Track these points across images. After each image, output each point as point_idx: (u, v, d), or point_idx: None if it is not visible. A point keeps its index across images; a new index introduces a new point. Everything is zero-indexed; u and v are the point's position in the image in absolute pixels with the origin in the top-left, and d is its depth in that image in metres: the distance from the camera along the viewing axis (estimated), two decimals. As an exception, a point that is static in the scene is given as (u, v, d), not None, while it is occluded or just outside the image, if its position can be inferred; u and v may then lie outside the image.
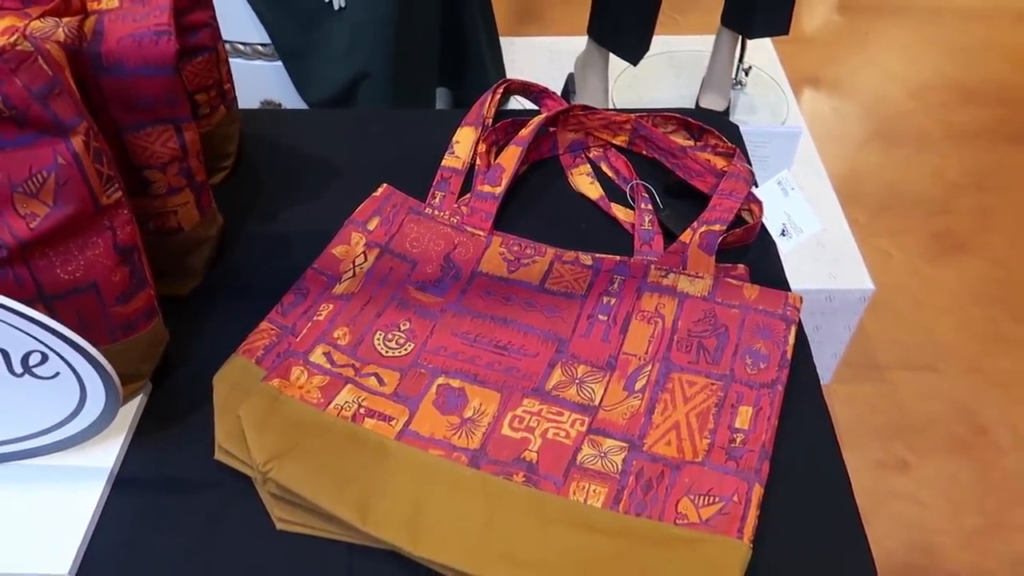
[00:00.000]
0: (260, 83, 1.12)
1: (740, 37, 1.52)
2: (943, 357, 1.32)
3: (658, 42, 1.51)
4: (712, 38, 1.55)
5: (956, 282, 1.43)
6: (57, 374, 0.45)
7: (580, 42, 1.59)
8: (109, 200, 0.48)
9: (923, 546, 1.09)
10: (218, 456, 0.52)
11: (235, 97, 0.71)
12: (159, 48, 0.51)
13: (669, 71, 1.66)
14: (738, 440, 0.52)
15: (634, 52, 1.46)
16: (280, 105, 1.13)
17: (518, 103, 0.81)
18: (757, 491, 0.49)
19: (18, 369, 0.44)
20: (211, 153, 0.70)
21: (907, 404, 1.25)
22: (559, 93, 1.75)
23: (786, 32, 1.43)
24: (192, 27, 0.62)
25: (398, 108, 1.03)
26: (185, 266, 0.63)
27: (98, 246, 0.48)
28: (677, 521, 0.48)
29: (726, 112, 1.55)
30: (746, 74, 1.57)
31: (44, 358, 0.44)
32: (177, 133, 0.56)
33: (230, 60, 0.69)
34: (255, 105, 1.14)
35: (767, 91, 1.57)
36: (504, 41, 1.49)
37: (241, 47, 1.08)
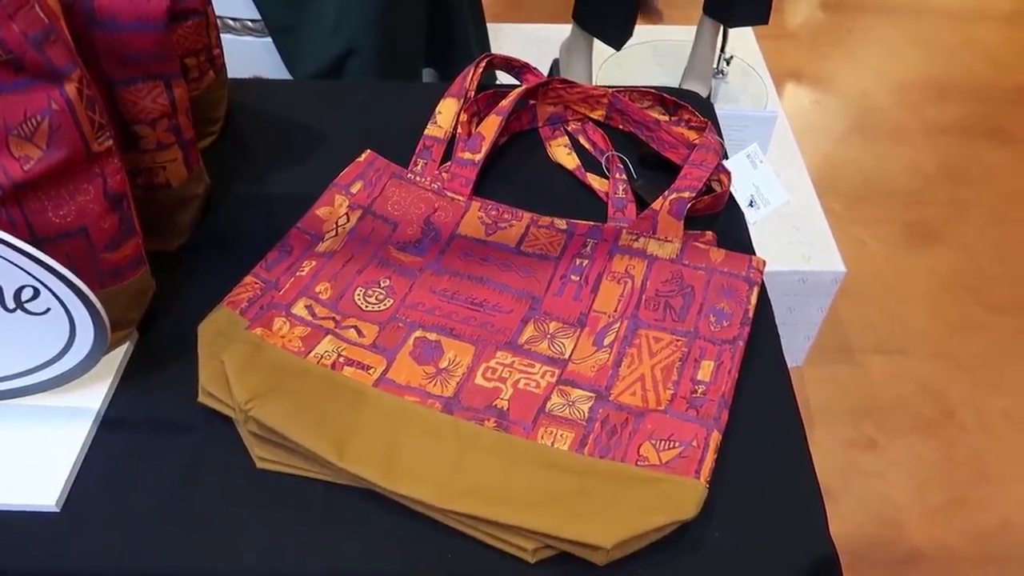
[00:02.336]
0: (250, 59, 1.14)
1: (721, 27, 1.55)
2: (913, 342, 1.35)
3: (643, 32, 1.54)
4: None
5: (928, 270, 1.47)
6: (48, 310, 0.47)
7: (566, 30, 1.61)
8: (100, 147, 0.50)
9: (889, 521, 1.12)
10: (201, 399, 0.54)
11: (224, 63, 0.73)
12: (151, 4, 0.53)
13: (652, 60, 1.69)
14: (699, 391, 0.55)
15: (617, 37, 1.49)
16: (268, 81, 1.14)
17: (507, 82, 0.83)
18: (715, 437, 0.52)
19: (10, 304, 0.46)
20: (200, 117, 0.72)
21: (877, 386, 1.29)
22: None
23: (765, 22, 1.46)
24: (183, -10, 0.64)
25: (387, 81, 1.05)
26: (173, 222, 0.65)
27: (89, 192, 0.50)
28: (639, 463, 0.51)
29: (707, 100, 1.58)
30: (727, 64, 1.60)
31: (36, 293, 0.46)
32: (167, 89, 0.58)
33: (220, 35, 0.71)
34: (244, 80, 1.15)
35: (748, 81, 1.61)
36: (491, 28, 1.51)
37: (231, 23, 1.10)
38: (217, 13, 0.71)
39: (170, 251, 0.65)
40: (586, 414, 0.54)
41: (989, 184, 1.68)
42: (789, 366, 0.59)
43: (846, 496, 1.14)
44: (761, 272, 0.62)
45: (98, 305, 0.46)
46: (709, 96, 1.56)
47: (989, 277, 1.47)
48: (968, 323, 1.39)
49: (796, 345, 1.26)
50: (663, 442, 0.52)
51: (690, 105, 0.76)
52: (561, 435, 0.53)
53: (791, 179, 1.29)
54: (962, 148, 1.77)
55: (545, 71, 1.71)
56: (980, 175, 1.69)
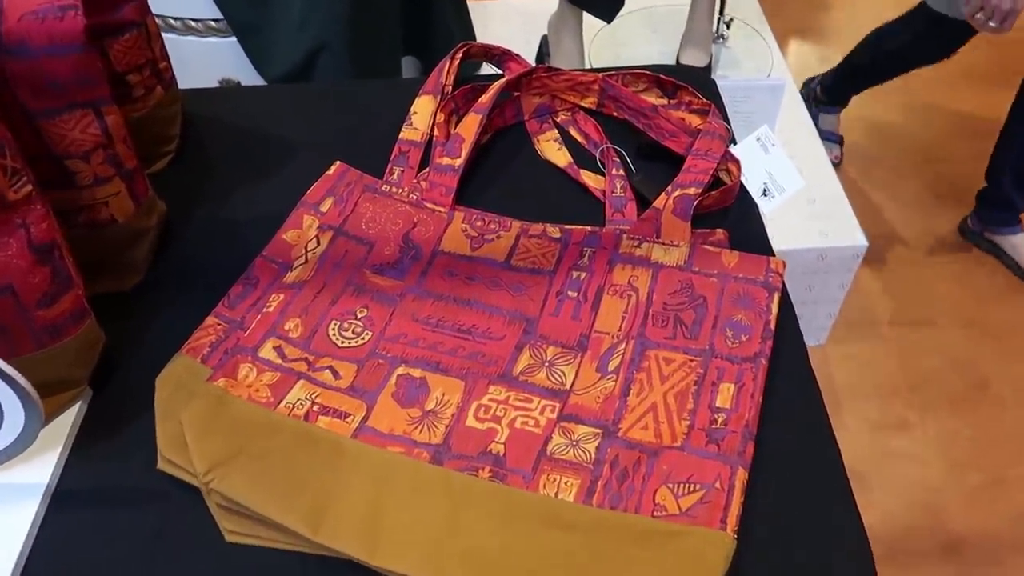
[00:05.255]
0: (216, 61, 1.07)
1: (719, -12, 1.46)
2: (941, 311, 1.28)
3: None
4: (691, -8, 1.49)
5: (952, 233, 1.40)
6: (-35, 390, 0.41)
7: (554, 3, 1.53)
8: (17, 195, 0.43)
9: (926, 507, 1.06)
10: (161, 466, 0.49)
11: (173, 76, 0.66)
12: (65, 24, 0.46)
13: (646, 28, 1.60)
14: (719, 421, 0.48)
15: (607, 9, 1.40)
16: (239, 83, 1.08)
17: (493, 70, 0.76)
18: (741, 476, 0.46)
19: (-78, 386, 0.40)
20: (151, 138, 0.65)
21: (905, 361, 1.22)
22: (534, 57, 1.69)
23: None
24: (114, 1, 0.57)
25: (359, 80, 0.98)
26: (125, 260, 0.59)
27: (10, 246, 0.44)
28: (655, 513, 0.45)
29: (708, 68, 1.50)
30: (727, 27, 1.51)
31: (-53, 374, 0.40)
32: (98, 117, 0.51)
33: (183, 38, 0.65)
34: (213, 84, 1.08)
35: (751, 44, 1.52)
36: (475, 6, 1.43)
37: (193, 24, 1.03)
38: (176, 14, 0.64)
39: (125, 291, 0.59)
40: (592, 455, 0.48)
41: None
42: (809, 346, 0.53)
43: (878, 481, 1.08)
44: (781, 276, 0.55)
45: (23, 382, 0.40)
46: (710, 64, 1.48)
47: (1017, 234, 1.39)
48: (998, 287, 1.31)
49: (817, 324, 1.19)
50: (682, 485, 0.46)
51: (690, 85, 0.68)
52: (566, 483, 0.47)
53: (801, 147, 1.21)
54: (980, 96, 1.68)
55: (534, 49, 1.63)
56: (1000, 126, 1.60)
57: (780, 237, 0.60)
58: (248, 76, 1.08)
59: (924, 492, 1.07)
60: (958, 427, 1.13)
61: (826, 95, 1.56)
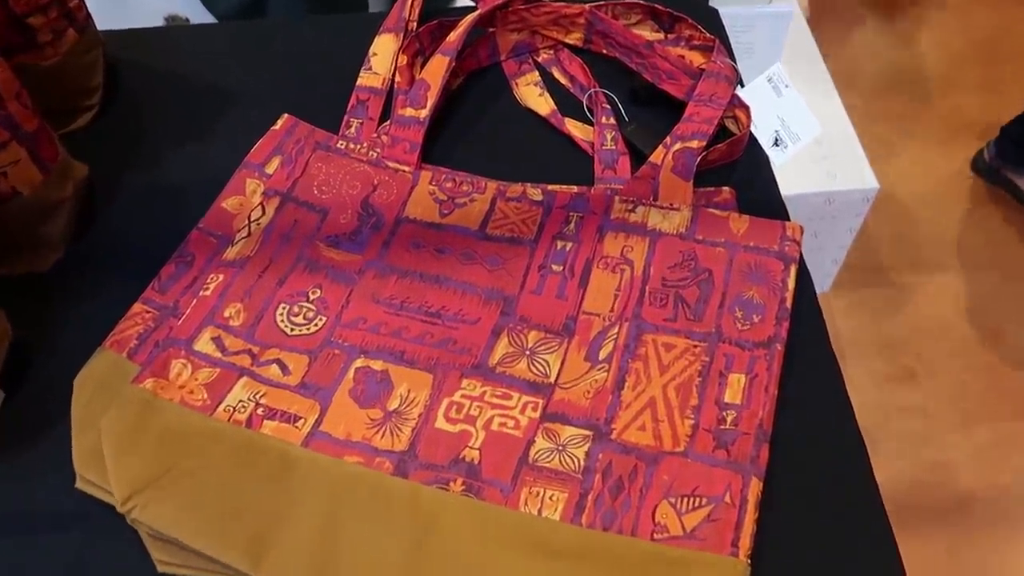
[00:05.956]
0: (164, -3, 0.96)
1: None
2: (953, 254, 1.21)
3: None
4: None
5: (966, 168, 1.31)
6: None
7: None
8: None
9: (934, 464, 1.02)
10: (80, 485, 0.42)
11: (89, 16, 0.57)
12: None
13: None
14: (728, 420, 0.42)
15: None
16: (187, 20, 0.97)
17: (465, 1, 0.66)
18: (754, 487, 0.39)
19: None
20: (66, 91, 0.57)
21: (914, 309, 1.16)
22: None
23: None
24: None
25: (313, 15, 0.88)
26: (38, 237, 0.51)
27: None
28: (655, 535, 0.38)
29: (707, -7, 1.38)
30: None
31: None
32: (-21, 72, 0.42)
33: None
34: (158, 22, 0.98)
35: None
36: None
37: (132, -47, 0.92)
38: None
39: (43, 271, 0.51)
40: (582, 462, 0.41)
41: (1027, 59, 1.50)
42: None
43: (885, 437, 1.03)
44: (799, 243, 0.48)
45: None
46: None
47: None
48: (1014, 228, 1.24)
49: (821, 271, 1.12)
50: (686, 500, 0.39)
51: (689, 16, 0.59)
52: (551, 497, 0.40)
53: (808, 82, 1.11)
54: (993, 19, 1.57)
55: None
56: (1017, 49, 1.49)
57: (784, 181, 0.53)
58: (198, 12, 0.98)
59: (932, 448, 1.02)
60: (968, 379, 1.08)
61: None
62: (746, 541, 0.37)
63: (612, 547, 0.38)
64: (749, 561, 0.37)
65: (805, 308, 0.46)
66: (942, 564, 0.92)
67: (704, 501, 0.39)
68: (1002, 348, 1.10)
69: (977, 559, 0.93)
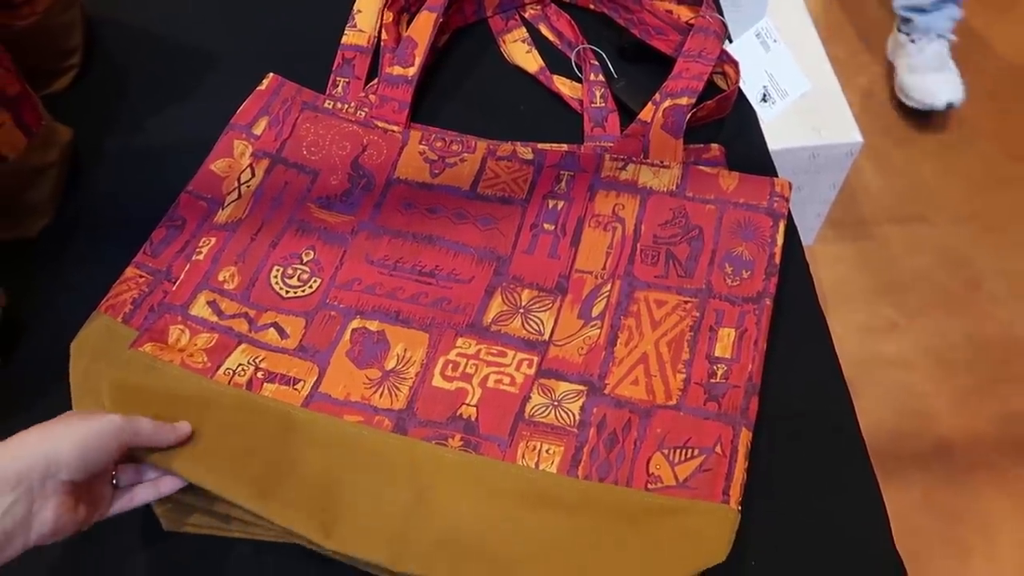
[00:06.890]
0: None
1: None
2: (933, 205, 1.22)
3: None
4: None
5: (946, 118, 1.32)
6: None
7: None
8: None
9: (914, 411, 1.04)
10: (81, 448, 0.42)
11: (66, -26, 0.56)
12: None
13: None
14: (719, 373, 0.43)
15: None
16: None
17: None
18: (744, 437, 0.40)
19: None
20: (45, 53, 0.56)
21: (895, 260, 1.17)
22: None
23: None
24: None
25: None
26: (25, 202, 0.50)
27: None
28: (649, 485, 0.39)
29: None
30: None
31: None
32: (-41, 35, 0.41)
33: None
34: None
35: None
36: None
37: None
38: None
39: (31, 237, 0.51)
40: (577, 416, 0.42)
41: (1013, 8, 1.49)
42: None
43: (866, 387, 1.05)
44: (787, 200, 0.48)
45: None
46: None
47: (1017, 118, 1.31)
48: (994, 177, 1.25)
49: (805, 224, 1.13)
50: (678, 451, 0.40)
51: (678, -30, 0.59)
52: (547, 451, 0.41)
53: (793, 35, 1.11)
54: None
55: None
56: None
57: (769, 136, 0.53)
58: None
59: (913, 397, 1.05)
60: (948, 328, 1.10)
61: None
62: (737, 489, 0.39)
63: (608, 497, 0.39)
64: (740, 508, 0.38)
65: (793, 263, 0.47)
66: (922, 508, 0.95)
67: (696, 452, 0.40)
68: (981, 298, 1.12)
69: (955, 503, 0.96)
